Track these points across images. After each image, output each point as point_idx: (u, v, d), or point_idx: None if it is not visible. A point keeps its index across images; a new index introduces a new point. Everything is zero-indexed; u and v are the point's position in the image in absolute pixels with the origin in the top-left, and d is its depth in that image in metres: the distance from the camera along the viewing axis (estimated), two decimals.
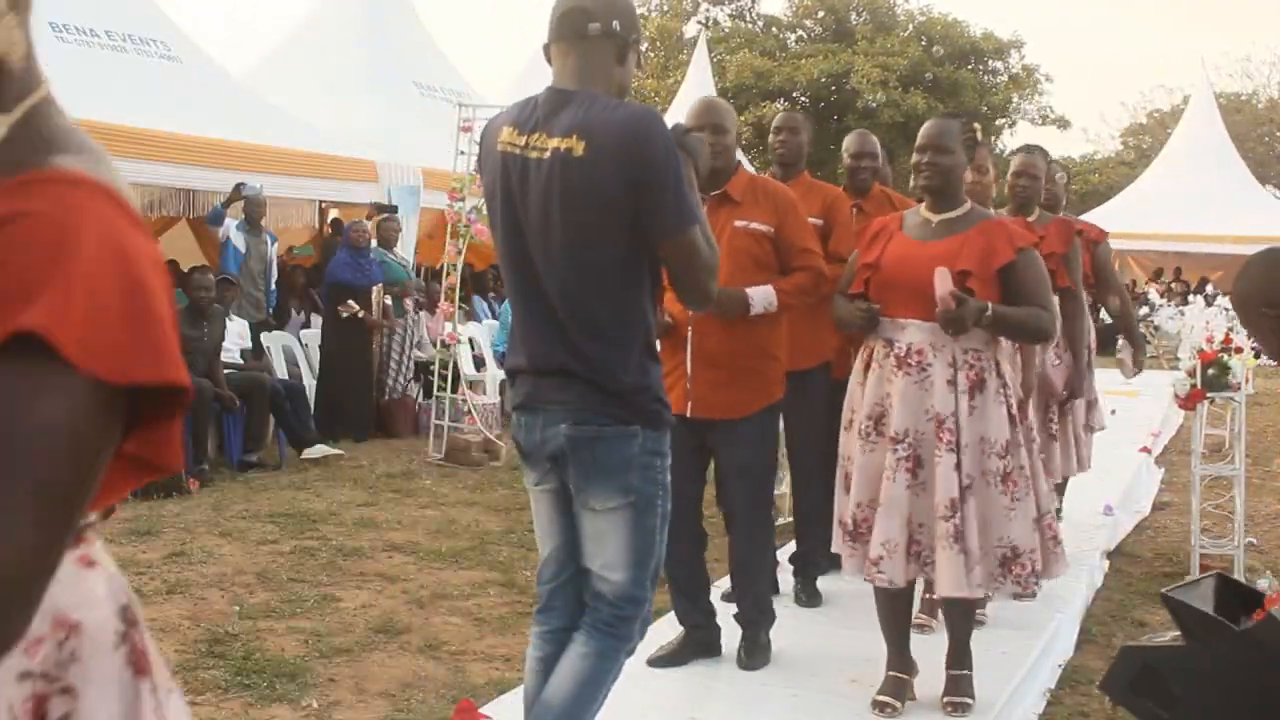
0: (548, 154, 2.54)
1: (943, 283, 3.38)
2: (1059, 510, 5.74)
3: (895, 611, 3.70)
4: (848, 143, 5.25)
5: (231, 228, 9.39)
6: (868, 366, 3.62)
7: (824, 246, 4.25)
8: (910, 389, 3.48)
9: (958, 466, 3.42)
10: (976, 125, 3.71)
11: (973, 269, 3.47)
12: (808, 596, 4.84)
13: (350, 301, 9.17)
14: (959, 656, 3.74)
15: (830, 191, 4.81)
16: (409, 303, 9.82)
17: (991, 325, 3.47)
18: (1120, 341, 6.24)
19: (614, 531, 2.62)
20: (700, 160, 2.72)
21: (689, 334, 3.84)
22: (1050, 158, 5.37)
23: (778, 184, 4.16)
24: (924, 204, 3.70)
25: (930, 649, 3.87)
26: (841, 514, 3.64)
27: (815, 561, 4.82)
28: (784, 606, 4.52)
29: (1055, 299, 3.82)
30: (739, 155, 4.26)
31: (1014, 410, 3.52)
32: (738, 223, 3.89)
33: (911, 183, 3.77)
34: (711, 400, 3.86)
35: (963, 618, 3.74)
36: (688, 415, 3.81)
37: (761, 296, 3.80)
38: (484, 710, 3.64)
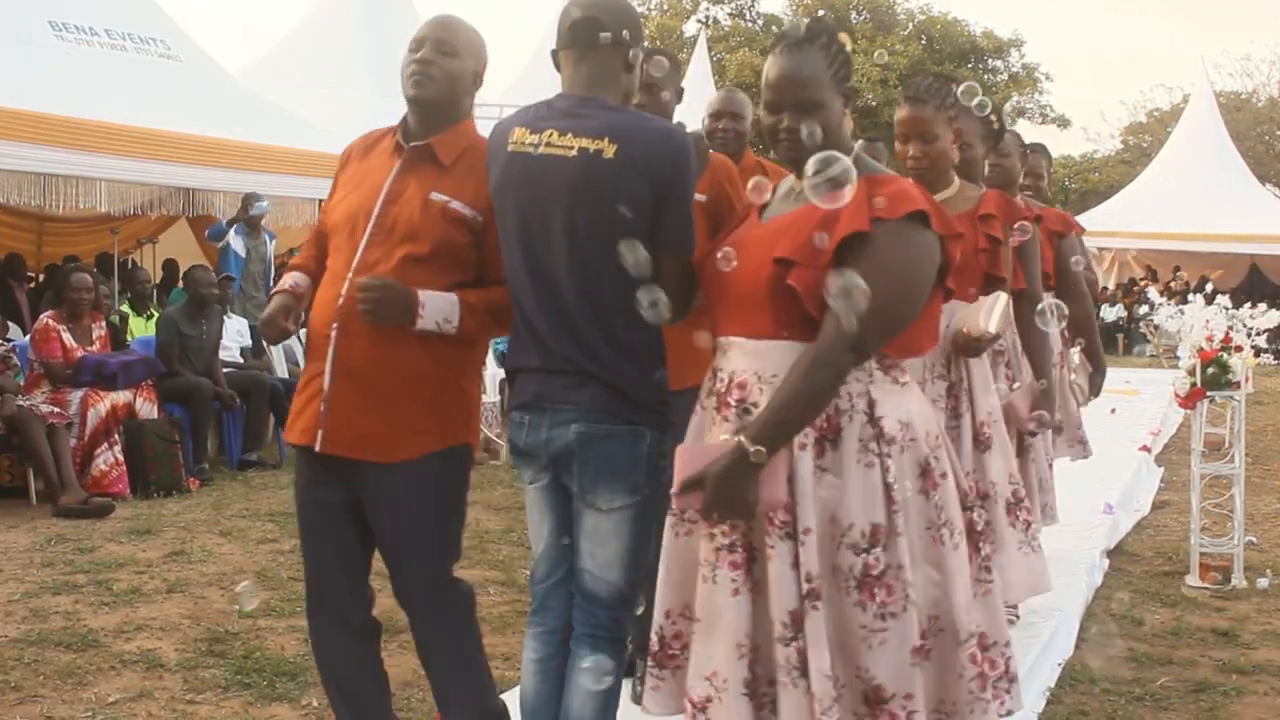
0: (573, 152, 2.57)
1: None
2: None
3: None
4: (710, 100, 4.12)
5: (230, 232, 9.40)
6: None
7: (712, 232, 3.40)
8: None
9: (796, 563, 2.28)
10: (844, 39, 2.46)
11: (794, 255, 2.30)
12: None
13: None
14: None
15: (716, 161, 3.73)
16: None
17: None
18: (1077, 359, 5.07)
19: (616, 531, 2.63)
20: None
21: (332, 336, 2.81)
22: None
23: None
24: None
25: None
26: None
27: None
28: None
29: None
30: None
31: (894, 475, 2.29)
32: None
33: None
34: (353, 431, 2.81)
35: None
36: (316, 448, 2.82)
37: None
38: None
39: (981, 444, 3.53)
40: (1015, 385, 4.08)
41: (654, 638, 2.51)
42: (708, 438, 2.45)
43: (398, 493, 2.83)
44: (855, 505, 2.28)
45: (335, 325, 2.79)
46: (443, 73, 2.82)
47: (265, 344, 9.26)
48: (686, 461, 2.29)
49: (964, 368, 3.50)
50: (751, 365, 2.38)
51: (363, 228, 2.81)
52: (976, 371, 3.54)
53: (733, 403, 2.39)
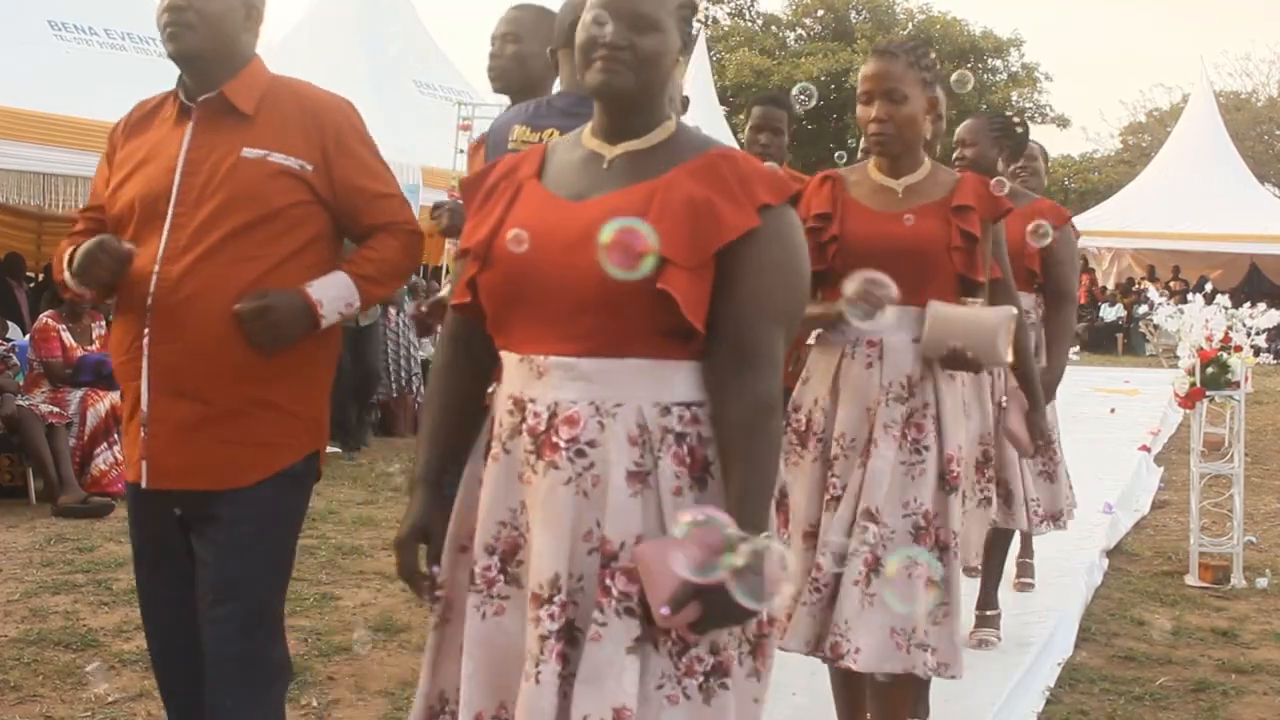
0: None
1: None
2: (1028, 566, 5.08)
3: None
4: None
5: None
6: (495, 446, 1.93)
7: None
8: (561, 498, 1.79)
9: (640, 643, 1.75)
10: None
11: (671, 254, 1.75)
12: None
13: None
14: None
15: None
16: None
17: None
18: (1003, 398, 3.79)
19: None
20: None
21: (144, 346, 2.35)
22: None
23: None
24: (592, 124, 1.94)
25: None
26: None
27: None
28: None
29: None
30: None
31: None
32: None
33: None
34: (184, 460, 2.38)
35: None
36: (142, 484, 2.41)
37: None
38: None
39: (947, 485, 2.88)
40: (1002, 400, 3.70)
41: None
42: (527, 492, 1.82)
43: (238, 521, 2.38)
44: None
45: (147, 332, 2.32)
46: (200, 16, 2.36)
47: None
48: (659, 568, 1.69)
49: (933, 390, 2.88)
50: (586, 393, 1.79)
51: (164, 210, 2.34)
52: (949, 396, 2.92)
53: (562, 444, 1.78)
